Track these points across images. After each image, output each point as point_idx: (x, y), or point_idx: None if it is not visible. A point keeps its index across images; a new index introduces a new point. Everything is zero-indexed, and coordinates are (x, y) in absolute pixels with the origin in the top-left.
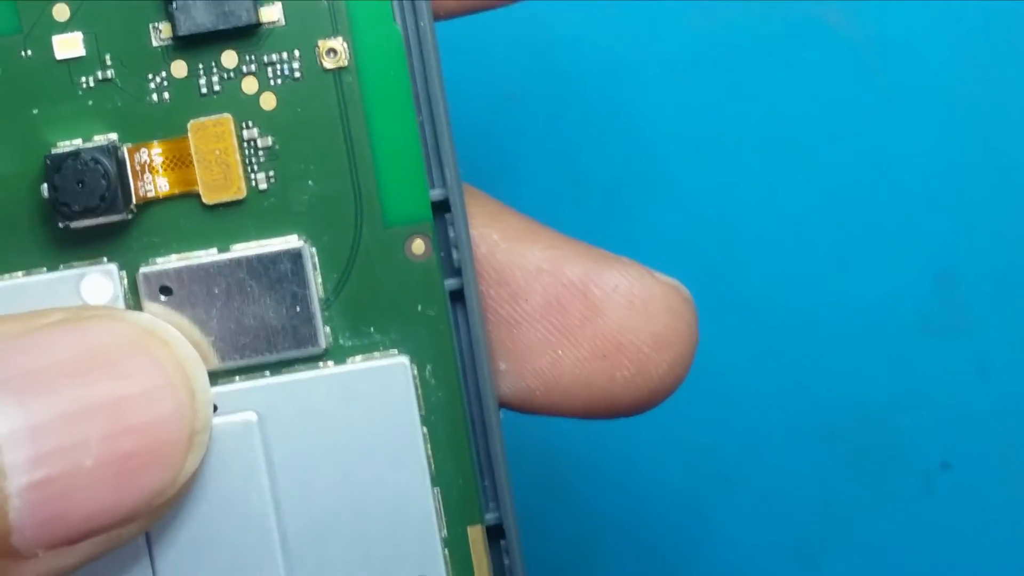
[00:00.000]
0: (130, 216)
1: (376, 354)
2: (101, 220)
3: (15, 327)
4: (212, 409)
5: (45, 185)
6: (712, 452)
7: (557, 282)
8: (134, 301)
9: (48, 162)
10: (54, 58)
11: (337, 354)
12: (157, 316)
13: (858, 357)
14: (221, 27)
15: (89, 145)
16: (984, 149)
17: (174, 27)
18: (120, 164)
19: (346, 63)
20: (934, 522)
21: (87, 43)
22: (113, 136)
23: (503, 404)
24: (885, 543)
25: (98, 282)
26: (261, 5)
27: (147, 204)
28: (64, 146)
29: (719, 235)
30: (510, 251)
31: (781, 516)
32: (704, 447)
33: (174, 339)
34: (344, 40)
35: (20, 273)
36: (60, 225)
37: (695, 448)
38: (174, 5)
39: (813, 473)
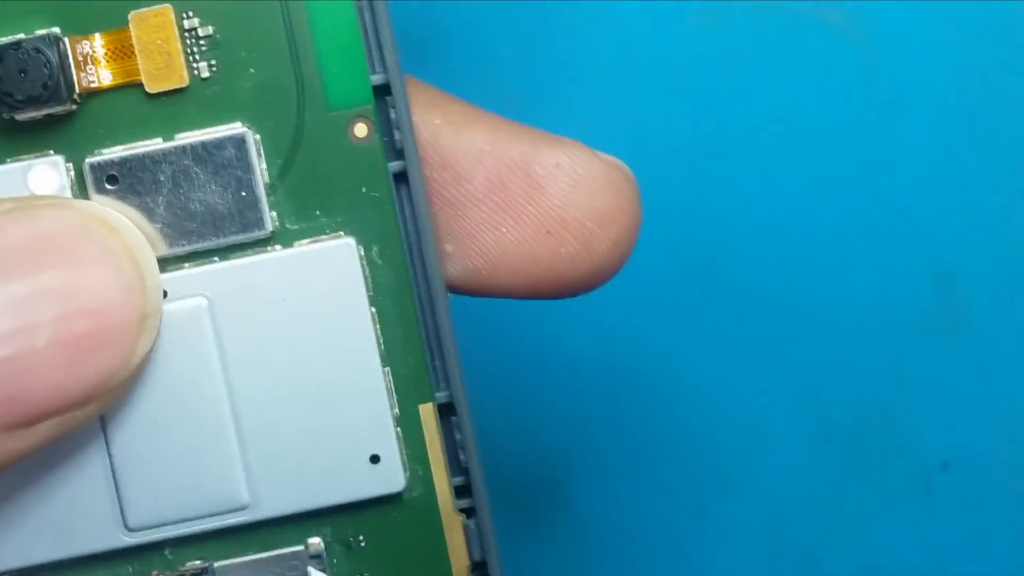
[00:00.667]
0: (74, 107)
1: (323, 237)
2: (45, 111)
3: None
4: (162, 294)
5: None
6: (712, 452)
7: (499, 162)
8: (81, 192)
9: None
10: None
11: (284, 238)
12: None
13: (858, 357)
14: None
15: (30, 36)
16: (984, 149)
17: None
18: (62, 55)
19: None
20: (934, 522)
21: None
22: (55, 29)
23: (451, 287)
24: (885, 543)
25: (45, 173)
26: None
27: (91, 95)
28: (5, 40)
29: (719, 235)
30: (453, 135)
31: (781, 516)
32: (704, 447)
33: (123, 225)
34: None
35: None
36: (5, 116)
37: (695, 448)
38: None
39: (813, 473)
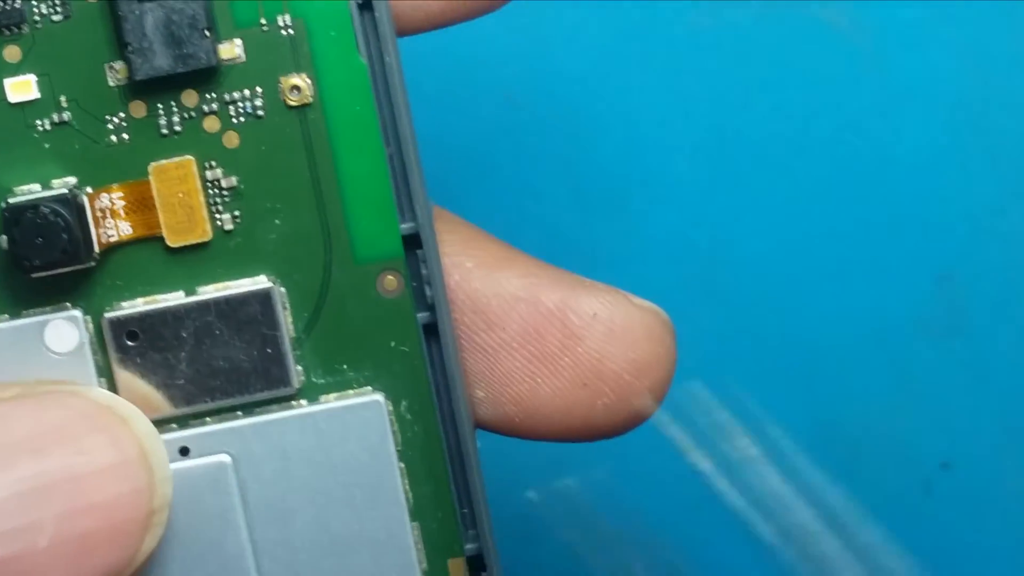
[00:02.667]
0: (93, 264)
1: (350, 392)
2: (62, 270)
3: None
4: (171, 487)
5: (4, 237)
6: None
7: (534, 310)
8: (100, 347)
9: (6, 214)
10: (7, 101)
11: (310, 393)
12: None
13: (858, 358)
14: (180, 70)
15: (48, 193)
16: (985, 149)
17: (131, 71)
18: (80, 213)
19: (310, 99)
20: (934, 522)
21: (41, 85)
22: (72, 180)
23: (482, 427)
24: (885, 543)
25: (63, 329)
26: (220, 41)
27: (110, 249)
28: (22, 193)
29: (718, 235)
30: (485, 278)
31: (781, 516)
32: (703, 446)
33: (132, 415)
34: (307, 76)
35: None
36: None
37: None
38: (130, 48)
39: (813, 473)
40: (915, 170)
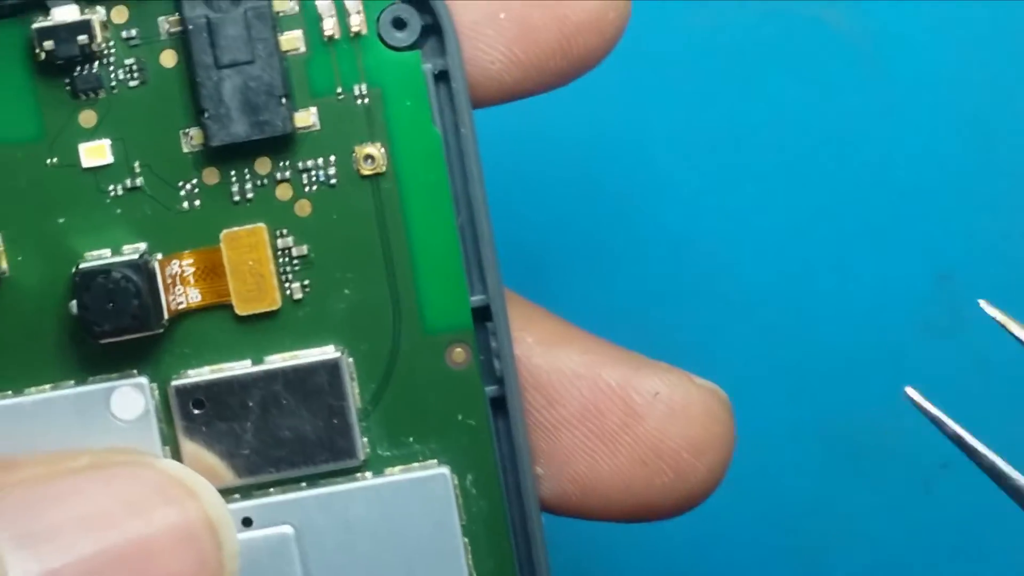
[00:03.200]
0: (162, 331)
1: (415, 464)
2: (131, 336)
3: (42, 471)
4: (238, 561)
5: (74, 302)
6: None
7: (595, 387)
8: (166, 415)
9: (77, 279)
10: (80, 166)
11: (375, 465)
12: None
13: (858, 357)
14: (256, 137)
15: (118, 259)
16: (985, 149)
17: (207, 137)
18: (151, 279)
19: (383, 169)
20: (934, 522)
21: (115, 150)
22: (142, 246)
23: (540, 508)
24: (885, 543)
25: (129, 396)
26: (296, 109)
27: (179, 316)
28: (92, 257)
29: (718, 234)
30: (546, 355)
31: (781, 516)
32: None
33: (201, 488)
34: (382, 145)
35: (48, 386)
36: (90, 341)
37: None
38: (206, 114)
39: (813, 473)
40: (915, 170)
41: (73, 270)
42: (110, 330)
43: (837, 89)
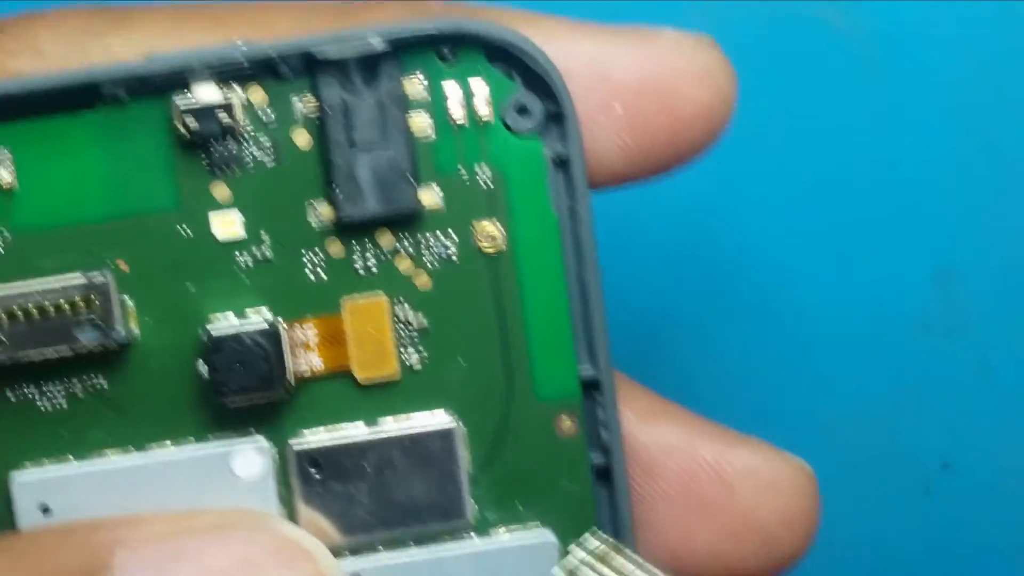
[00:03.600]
0: (286, 395)
1: (519, 527)
2: (257, 399)
3: (166, 528)
4: None
5: (202, 363)
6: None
7: (691, 460)
8: (284, 476)
9: (208, 342)
10: (212, 236)
11: (481, 527)
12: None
13: (858, 357)
14: (384, 212)
15: (248, 325)
16: (984, 148)
17: (337, 212)
18: (278, 344)
19: (502, 247)
20: (934, 522)
21: (245, 222)
22: (267, 312)
23: None
24: (885, 543)
25: (249, 456)
26: (421, 188)
27: (301, 381)
28: (219, 320)
29: (717, 234)
30: (644, 428)
31: None
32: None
33: (317, 551)
34: (501, 225)
35: (169, 443)
36: (215, 403)
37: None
38: (337, 191)
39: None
40: (915, 170)
41: (202, 334)
42: (238, 393)
43: (837, 89)
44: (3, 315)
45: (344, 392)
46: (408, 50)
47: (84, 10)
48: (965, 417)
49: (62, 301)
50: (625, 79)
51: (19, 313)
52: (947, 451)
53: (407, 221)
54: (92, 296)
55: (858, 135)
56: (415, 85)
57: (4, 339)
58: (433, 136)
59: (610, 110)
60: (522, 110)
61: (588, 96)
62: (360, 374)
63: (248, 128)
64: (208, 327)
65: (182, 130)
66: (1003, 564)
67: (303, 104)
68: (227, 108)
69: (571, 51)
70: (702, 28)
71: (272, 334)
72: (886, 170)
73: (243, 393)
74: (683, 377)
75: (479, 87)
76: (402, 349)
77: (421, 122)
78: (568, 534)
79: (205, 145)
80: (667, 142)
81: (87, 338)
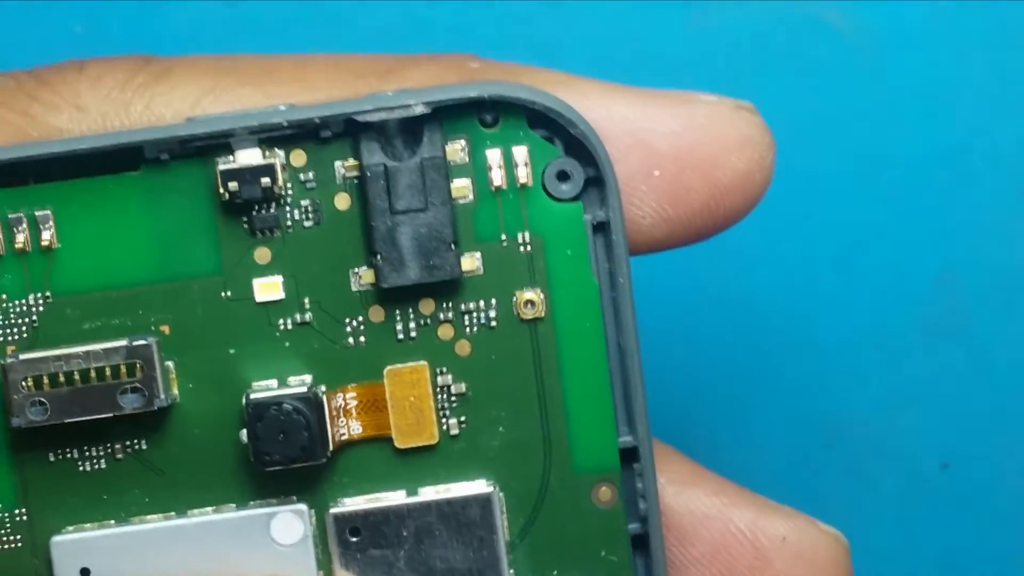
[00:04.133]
0: (325, 461)
1: None
2: (297, 465)
3: None
4: None
5: (244, 431)
6: (712, 452)
7: (725, 528)
8: (322, 541)
9: (250, 409)
10: (254, 300)
11: None
12: None
13: (858, 357)
14: (426, 281)
15: (288, 391)
16: (985, 149)
17: (379, 279)
18: (319, 411)
19: (542, 314)
20: (934, 522)
21: (286, 286)
22: (308, 378)
23: None
24: (885, 542)
25: (289, 522)
26: (462, 254)
27: (341, 447)
28: (260, 387)
29: (716, 236)
30: (677, 495)
31: None
32: (704, 447)
33: None
34: (541, 291)
35: (210, 509)
36: (255, 468)
37: (696, 448)
38: (379, 257)
39: (813, 473)
40: (915, 169)
41: (243, 400)
42: (279, 460)
43: (837, 89)
44: (46, 379)
45: (383, 458)
46: (450, 114)
47: (125, 63)
48: (965, 417)
49: (105, 366)
50: (664, 146)
51: (62, 377)
52: (947, 451)
53: (447, 288)
54: (136, 362)
55: (858, 135)
56: (457, 151)
57: (46, 402)
58: (474, 201)
59: (649, 176)
60: (562, 176)
61: (626, 160)
62: (400, 441)
63: (289, 191)
64: (249, 393)
65: (224, 193)
66: (1003, 563)
67: (345, 168)
68: (269, 171)
69: (609, 114)
70: (702, 28)
71: (312, 400)
72: (886, 170)
73: (284, 461)
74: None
75: (520, 153)
76: (442, 416)
77: (462, 187)
78: None
79: (247, 208)
80: (705, 210)
81: (130, 404)
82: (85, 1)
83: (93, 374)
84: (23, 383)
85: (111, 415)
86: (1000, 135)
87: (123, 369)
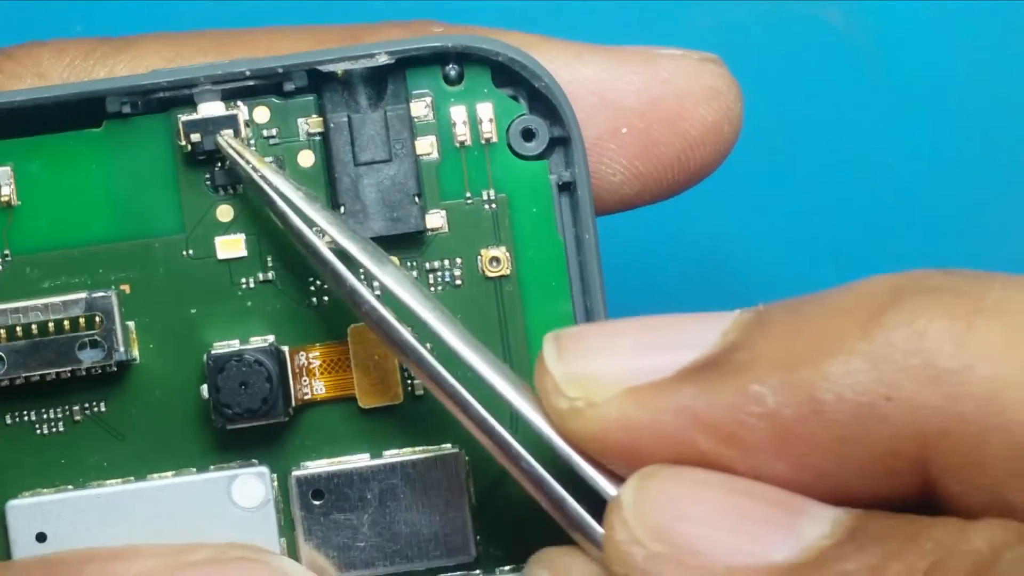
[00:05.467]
0: (287, 419)
1: (523, 565)
2: (259, 422)
3: (159, 563)
4: None
5: (205, 386)
6: None
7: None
8: (285, 504)
9: (210, 362)
10: (215, 258)
11: (487, 563)
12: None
13: None
14: (389, 233)
15: (251, 345)
16: (985, 149)
17: None
18: (282, 366)
19: (508, 272)
20: None
21: (248, 244)
22: (271, 338)
23: None
24: None
25: (249, 484)
26: (427, 211)
27: (303, 407)
28: (222, 346)
29: (716, 233)
30: None
31: None
32: None
33: None
34: (507, 249)
35: (171, 473)
36: (216, 427)
37: None
38: (343, 209)
39: None
40: (915, 169)
41: (204, 357)
42: (239, 413)
43: (837, 89)
44: (3, 332)
45: (347, 419)
46: (414, 70)
47: (87, 39)
48: None
49: (64, 319)
50: (631, 102)
51: (19, 331)
52: None
53: (412, 244)
54: (95, 315)
55: (857, 135)
56: (421, 108)
57: (3, 356)
58: (438, 158)
59: (617, 134)
60: (527, 134)
61: (594, 120)
62: (364, 401)
63: (253, 147)
64: (211, 351)
65: (186, 145)
66: None
67: (308, 124)
68: (232, 122)
69: (574, 74)
70: (702, 28)
71: (275, 354)
72: (886, 170)
73: (246, 415)
74: None
75: (485, 110)
76: (406, 376)
77: (427, 144)
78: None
79: (208, 163)
80: (675, 164)
81: (88, 358)
82: (85, 1)
83: (52, 327)
84: None
85: (69, 369)
86: (1000, 134)
87: (82, 322)
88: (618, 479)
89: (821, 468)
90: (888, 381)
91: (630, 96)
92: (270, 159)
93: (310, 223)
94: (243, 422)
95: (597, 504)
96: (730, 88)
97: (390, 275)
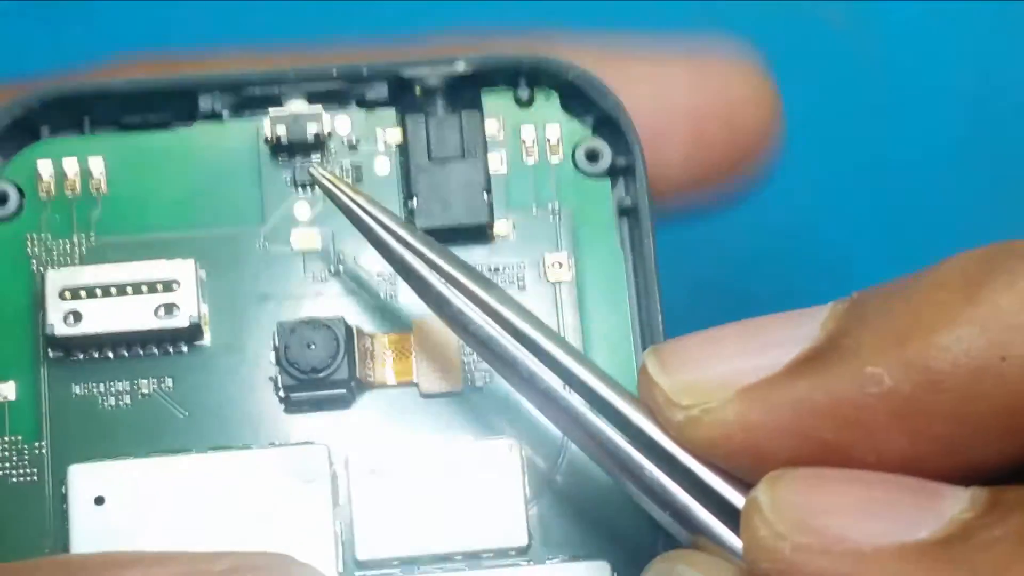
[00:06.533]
0: (350, 394)
1: (574, 557)
2: (323, 393)
3: (181, 571)
4: None
5: (273, 352)
6: None
7: None
8: (342, 482)
9: (278, 327)
10: (291, 248)
11: (538, 553)
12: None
13: None
14: (459, 223)
15: (321, 317)
16: (986, 149)
17: (414, 221)
18: (349, 337)
19: (569, 278)
20: None
21: (323, 238)
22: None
23: None
24: None
25: (308, 460)
26: (495, 219)
27: (365, 387)
28: (297, 318)
29: (717, 234)
30: None
31: None
32: None
33: None
34: (569, 255)
35: (234, 450)
36: (281, 394)
37: None
38: (415, 200)
39: None
40: (914, 169)
41: (275, 325)
42: (306, 371)
43: (837, 89)
44: (83, 292)
45: (407, 403)
46: (488, 90)
47: None
48: None
49: (143, 283)
50: (686, 106)
51: (99, 291)
52: None
53: (481, 236)
54: (173, 282)
55: (857, 135)
56: (493, 125)
57: (81, 313)
58: (507, 174)
59: (673, 133)
60: (592, 155)
61: (652, 119)
62: (425, 386)
63: (332, 150)
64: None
65: (272, 139)
66: None
67: (387, 135)
68: (316, 119)
69: (631, 78)
70: (702, 28)
71: (344, 325)
72: (886, 169)
73: (312, 374)
74: None
75: (553, 131)
76: (467, 367)
77: (496, 160)
78: (626, 567)
79: (291, 158)
80: (728, 154)
81: (165, 323)
82: (85, 1)
83: (129, 289)
84: (61, 294)
85: (144, 330)
86: (1000, 134)
87: (160, 287)
88: (740, 484)
89: (943, 438)
90: (1000, 341)
91: (685, 101)
92: (348, 162)
93: (409, 247)
94: (308, 388)
95: (713, 510)
96: (772, 91)
97: (495, 297)
